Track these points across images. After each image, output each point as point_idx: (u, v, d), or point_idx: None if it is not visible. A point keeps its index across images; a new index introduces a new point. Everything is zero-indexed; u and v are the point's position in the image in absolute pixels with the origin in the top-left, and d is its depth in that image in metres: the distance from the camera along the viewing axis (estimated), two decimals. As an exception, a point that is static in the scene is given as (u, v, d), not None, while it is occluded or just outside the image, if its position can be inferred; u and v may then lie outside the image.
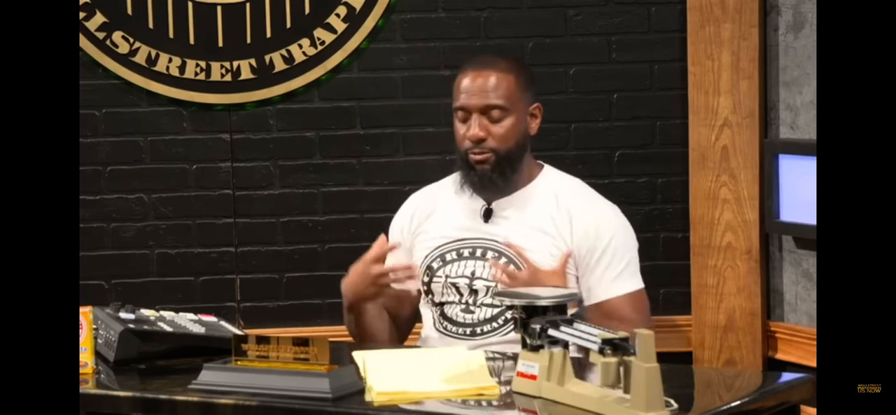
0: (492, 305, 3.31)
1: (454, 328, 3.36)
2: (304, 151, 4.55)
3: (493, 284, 3.30)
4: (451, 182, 3.48)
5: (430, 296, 3.40)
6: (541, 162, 3.46)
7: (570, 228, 3.31)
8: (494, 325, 3.33)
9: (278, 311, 4.53)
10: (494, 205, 3.34)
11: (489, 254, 3.32)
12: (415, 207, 3.52)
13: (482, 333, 3.30)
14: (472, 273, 3.33)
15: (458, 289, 3.34)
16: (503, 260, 3.30)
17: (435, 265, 3.37)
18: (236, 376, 2.79)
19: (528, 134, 3.37)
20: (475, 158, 3.31)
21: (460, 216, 3.38)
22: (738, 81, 4.41)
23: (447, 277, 3.36)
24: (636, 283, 3.41)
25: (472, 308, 3.34)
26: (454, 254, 3.36)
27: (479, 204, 3.35)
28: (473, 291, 3.33)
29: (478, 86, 3.31)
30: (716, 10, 4.40)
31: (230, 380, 2.79)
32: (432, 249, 3.38)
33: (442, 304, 3.37)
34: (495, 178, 3.32)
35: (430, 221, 3.44)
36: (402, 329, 3.52)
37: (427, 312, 3.46)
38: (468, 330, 3.34)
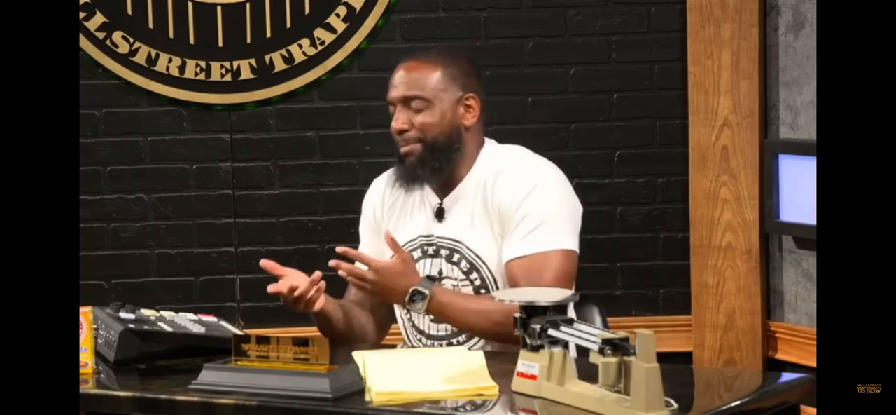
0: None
1: (428, 342, 3.33)
2: (304, 151, 4.56)
3: (458, 284, 3.28)
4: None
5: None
6: (485, 138, 3.40)
7: (494, 195, 3.26)
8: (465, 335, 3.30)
9: (278, 311, 4.53)
10: (445, 203, 3.32)
11: (455, 255, 3.30)
12: (384, 185, 3.45)
13: (458, 343, 3.27)
14: (440, 272, 3.32)
15: (433, 280, 3.30)
16: (464, 263, 3.29)
17: None
18: (236, 376, 2.78)
19: (459, 124, 3.29)
20: (402, 150, 3.30)
21: (418, 213, 3.37)
22: (738, 81, 4.41)
23: None
24: (541, 244, 3.19)
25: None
26: (419, 252, 3.35)
27: (432, 201, 3.34)
28: None
29: (401, 78, 3.30)
30: (716, 10, 4.40)
31: (230, 380, 2.79)
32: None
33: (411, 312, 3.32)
34: (422, 170, 3.27)
35: (401, 205, 3.39)
36: (383, 326, 3.45)
37: (399, 316, 3.42)
38: (443, 342, 3.31)
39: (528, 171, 3.28)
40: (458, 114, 3.29)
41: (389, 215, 3.40)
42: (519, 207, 3.21)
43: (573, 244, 3.24)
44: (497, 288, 3.24)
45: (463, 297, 3.22)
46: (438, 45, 4.49)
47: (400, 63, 3.34)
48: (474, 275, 3.26)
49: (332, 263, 3.20)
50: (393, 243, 3.22)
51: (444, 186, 3.31)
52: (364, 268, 3.19)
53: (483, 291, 3.26)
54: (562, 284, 3.15)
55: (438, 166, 3.28)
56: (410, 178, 3.30)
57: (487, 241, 3.25)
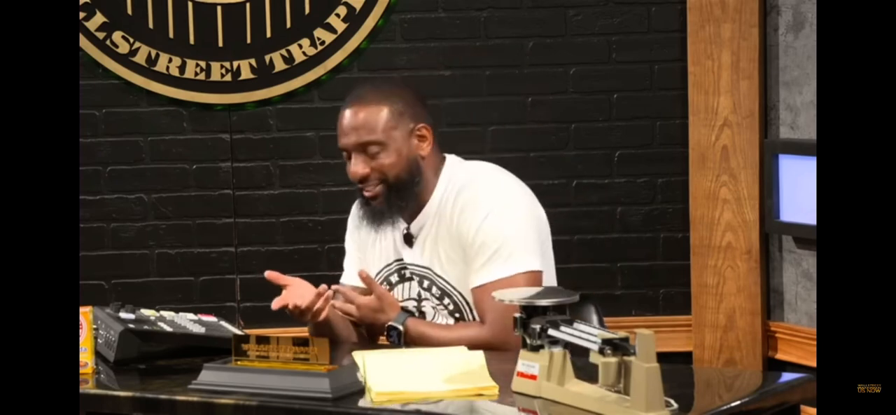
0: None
1: None
2: (304, 151, 4.56)
3: (436, 306, 3.29)
4: None
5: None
6: (444, 155, 3.40)
7: (453, 223, 3.27)
8: None
9: (278, 311, 4.53)
10: (412, 227, 3.32)
11: (426, 282, 3.31)
12: (360, 210, 3.47)
13: None
14: (419, 295, 3.33)
15: (408, 313, 3.32)
16: (435, 290, 3.30)
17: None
18: (236, 376, 2.79)
19: (415, 156, 3.28)
20: (366, 195, 3.29)
21: (390, 238, 3.37)
22: (738, 81, 4.41)
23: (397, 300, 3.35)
24: (499, 271, 3.20)
25: None
26: (396, 276, 3.36)
27: (400, 226, 3.34)
28: (422, 314, 3.32)
29: (351, 124, 3.28)
30: (716, 10, 4.40)
31: (230, 380, 2.79)
32: (376, 272, 3.37)
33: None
34: (387, 211, 3.28)
35: (374, 232, 3.40)
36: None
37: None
38: None
39: (483, 196, 3.26)
40: (412, 147, 3.28)
41: (367, 238, 3.40)
42: (475, 236, 3.22)
43: (534, 263, 3.23)
44: (470, 310, 3.26)
45: (435, 328, 3.26)
46: (438, 46, 4.49)
47: (343, 106, 3.31)
48: (447, 300, 3.29)
49: (334, 287, 3.29)
50: (368, 280, 3.26)
51: (411, 212, 3.32)
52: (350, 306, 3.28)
53: (457, 315, 3.29)
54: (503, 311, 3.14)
55: (404, 203, 3.28)
56: (378, 219, 3.30)
57: (454, 267, 3.27)
